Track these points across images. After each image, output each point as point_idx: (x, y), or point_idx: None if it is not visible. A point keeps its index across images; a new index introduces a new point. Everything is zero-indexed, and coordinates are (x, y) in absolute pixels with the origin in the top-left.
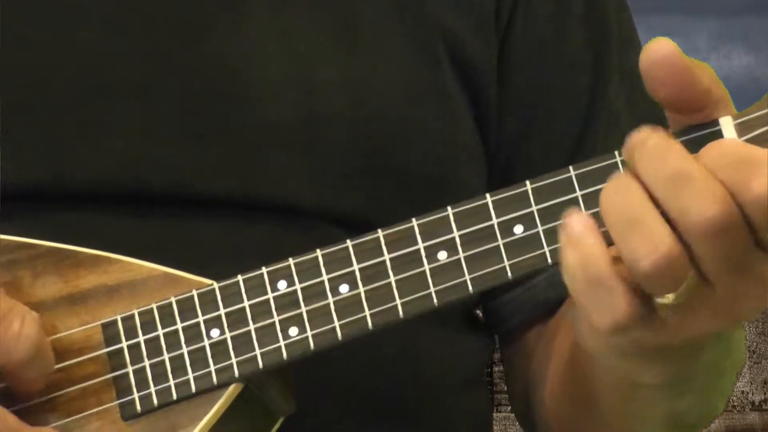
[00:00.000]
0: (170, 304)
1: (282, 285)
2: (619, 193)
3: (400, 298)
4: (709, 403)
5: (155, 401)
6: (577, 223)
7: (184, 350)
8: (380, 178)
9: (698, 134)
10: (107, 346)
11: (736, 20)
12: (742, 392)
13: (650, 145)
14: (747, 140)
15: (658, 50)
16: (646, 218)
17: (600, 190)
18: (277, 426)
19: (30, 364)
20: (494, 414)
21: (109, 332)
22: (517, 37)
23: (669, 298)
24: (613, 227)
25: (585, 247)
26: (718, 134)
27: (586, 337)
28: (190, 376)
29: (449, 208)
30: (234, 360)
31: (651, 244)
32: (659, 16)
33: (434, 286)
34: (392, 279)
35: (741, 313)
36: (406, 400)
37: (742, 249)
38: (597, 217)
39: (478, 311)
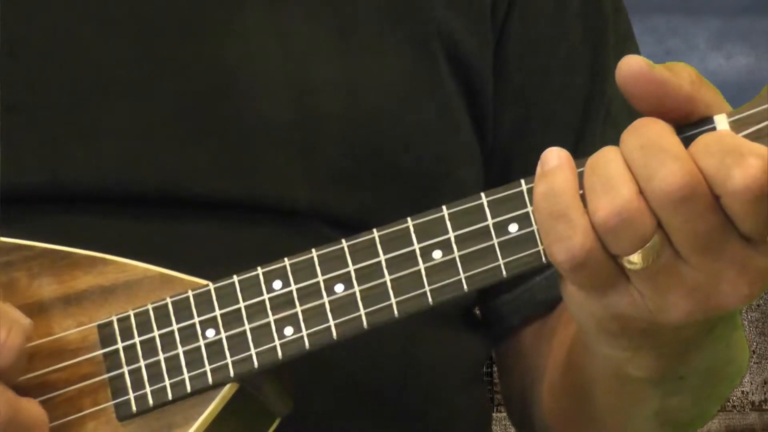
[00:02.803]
0: (166, 304)
1: (277, 285)
2: (599, 158)
3: (395, 297)
4: (702, 406)
5: (150, 401)
6: (552, 156)
7: (180, 350)
8: (377, 178)
9: (693, 132)
10: (103, 347)
11: (736, 20)
12: (742, 392)
13: (636, 122)
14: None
15: (628, 68)
16: (613, 176)
17: None
18: (274, 426)
19: (7, 372)
20: (494, 414)
21: (105, 333)
22: (514, 34)
23: (635, 261)
24: (585, 186)
25: (553, 180)
26: (712, 131)
27: (568, 302)
28: (186, 376)
29: (444, 207)
30: (229, 360)
31: (610, 196)
32: (659, 16)
33: (429, 285)
34: (387, 278)
35: (721, 299)
36: (406, 399)
37: (712, 229)
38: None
39: (476, 310)
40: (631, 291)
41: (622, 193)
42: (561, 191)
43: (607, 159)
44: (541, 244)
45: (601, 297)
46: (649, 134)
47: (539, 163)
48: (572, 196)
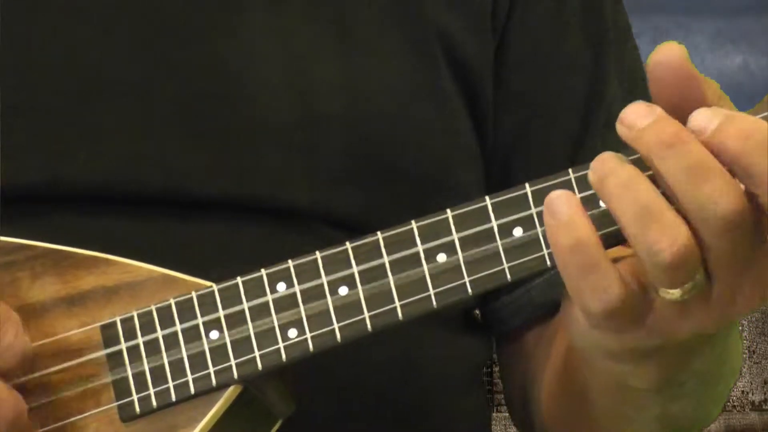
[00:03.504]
0: (169, 305)
1: (281, 287)
2: (631, 188)
3: (399, 300)
4: (703, 408)
5: (154, 403)
6: (564, 204)
7: (183, 352)
8: (377, 179)
9: None
10: (106, 348)
11: (736, 20)
12: (742, 392)
13: (668, 134)
14: None
15: (668, 51)
16: (663, 211)
17: None
18: (275, 428)
19: (12, 373)
20: (494, 414)
21: (108, 334)
22: (515, 37)
23: (675, 293)
24: (628, 222)
25: (578, 232)
26: None
27: (577, 335)
28: (189, 377)
29: (449, 210)
30: (233, 362)
31: (671, 236)
32: (659, 16)
33: (433, 288)
34: (391, 281)
35: (733, 310)
36: (406, 402)
37: (750, 247)
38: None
39: (476, 312)
40: (648, 322)
41: (682, 232)
42: (588, 243)
43: (641, 187)
44: (546, 248)
45: (621, 335)
46: (692, 153)
47: (545, 208)
48: (599, 245)
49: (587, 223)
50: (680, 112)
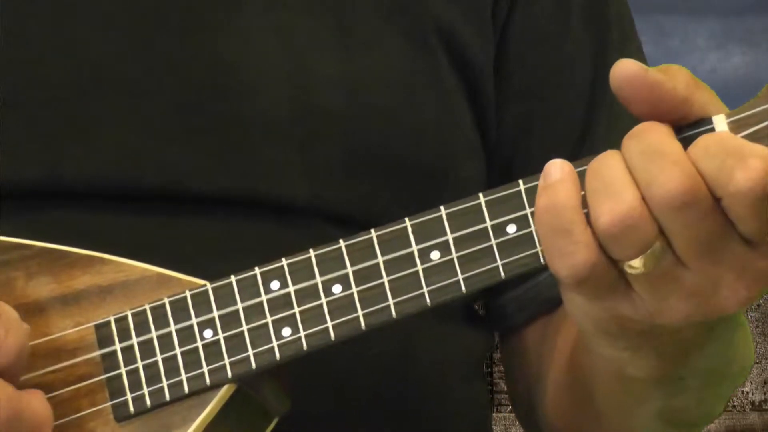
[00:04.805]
0: (163, 305)
1: (275, 285)
2: (601, 162)
3: (393, 298)
4: (707, 404)
5: (148, 402)
6: (555, 169)
7: (177, 351)
8: (377, 174)
9: (691, 132)
10: (100, 348)
11: (736, 20)
12: (742, 392)
13: (637, 126)
14: (741, 138)
15: (621, 72)
16: (616, 181)
17: None
18: (272, 426)
19: (8, 371)
20: (494, 414)
21: (103, 333)
22: (517, 32)
23: (636, 266)
24: (588, 191)
25: (556, 194)
26: (711, 132)
27: (570, 306)
28: (183, 377)
29: (442, 208)
30: (227, 361)
31: (613, 202)
32: (659, 16)
33: (427, 286)
34: (385, 279)
35: (720, 303)
36: (405, 396)
37: (712, 233)
38: None
39: (477, 306)
40: (631, 294)
41: (625, 199)
42: (563, 206)
43: (609, 164)
44: (540, 245)
45: (602, 301)
46: (649, 139)
47: (542, 175)
48: (575, 211)
49: (570, 189)
50: (662, 117)
